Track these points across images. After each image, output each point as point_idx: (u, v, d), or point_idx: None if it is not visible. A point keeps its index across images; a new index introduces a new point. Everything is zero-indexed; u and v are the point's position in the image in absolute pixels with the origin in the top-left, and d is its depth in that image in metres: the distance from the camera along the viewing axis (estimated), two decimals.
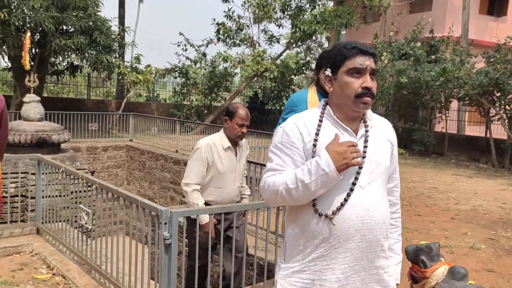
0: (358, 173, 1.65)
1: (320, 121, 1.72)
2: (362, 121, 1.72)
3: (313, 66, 17.80)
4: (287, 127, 1.72)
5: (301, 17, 15.66)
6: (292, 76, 17.80)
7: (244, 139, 3.63)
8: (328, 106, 1.74)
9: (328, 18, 14.86)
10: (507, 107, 12.09)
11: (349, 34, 19.00)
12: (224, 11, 16.20)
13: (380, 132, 1.75)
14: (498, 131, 13.46)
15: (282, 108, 18.86)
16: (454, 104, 14.21)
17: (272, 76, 16.30)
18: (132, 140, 12.29)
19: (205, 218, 3.28)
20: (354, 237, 1.62)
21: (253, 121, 18.82)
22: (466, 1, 14.38)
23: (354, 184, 1.65)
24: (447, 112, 13.89)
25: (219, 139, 3.51)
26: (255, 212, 3.51)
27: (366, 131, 1.71)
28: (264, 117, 19.10)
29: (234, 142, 3.53)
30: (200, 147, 3.46)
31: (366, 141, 1.70)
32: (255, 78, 17.83)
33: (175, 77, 17.89)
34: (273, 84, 17.92)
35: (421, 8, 17.76)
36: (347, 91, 1.66)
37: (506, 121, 12.16)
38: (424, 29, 15.01)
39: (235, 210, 3.17)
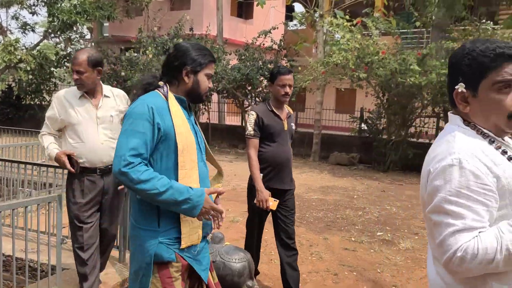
0: None
1: (492, 141, 1.33)
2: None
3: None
4: (469, 163, 1.24)
5: (58, 5, 14.65)
6: (53, 69, 16.52)
7: (119, 90, 3.35)
8: (479, 125, 1.35)
9: (89, 9, 14.33)
10: (257, 99, 14.01)
11: (113, 27, 18.68)
12: None
13: None
14: None
15: (43, 103, 17.31)
16: (215, 97, 15.63)
17: (28, 68, 14.79)
18: None
19: (51, 153, 3.10)
20: None
21: (9, 117, 16.83)
22: (219, 3, 15.89)
23: None
24: (209, 104, 15.18)
25: (74, 88, 3.21)
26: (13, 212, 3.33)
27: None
28: (21, 113, 17.17)
29: (91, 91, 3.17)
30: (53, 98, 3.24)
31: None
32: (7, 70, 15.87)
33: None
34: (30, 76, 16.27)
35: (180, 6, 18.76)
36: (497, 112, 1.30)
37: None
38: (185, 27, 15.98)
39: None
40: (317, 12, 12.75)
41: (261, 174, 3.49)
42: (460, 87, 1.33)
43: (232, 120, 17.56)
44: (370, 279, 4.22)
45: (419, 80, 9.31)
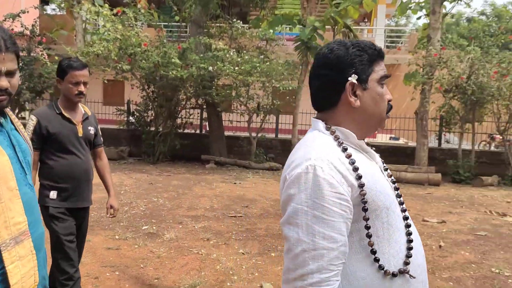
0: (399, 196, 1.35)
1: (345, 149, 1.26)
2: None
3: None
4: (324, 171, 1.16)
5: None
6: None
7: None
8: (341, 128, 1.29)
9: None
10: None
11: None
12: None
13: None
14: None
15: None
16: None
17: None
18: None
19: None
20: (423, 279, 1.30)
21: None
22: None
23: (404, 211, 1.33)
24: None
25: None
26: None
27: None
28: None
29: None
30: None
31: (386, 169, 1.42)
32: None
33: None
34: None
35: None
36: (382, 105, 1.30)
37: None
38: None
39: None
40: None
41: (55, 192, 2.90)
42: (353, 78, 1.26)
43: None
44: (133, 276, 4.15)
45: (181, 73, 9.64)
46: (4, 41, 1.48)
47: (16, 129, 1.64)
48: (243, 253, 4.83)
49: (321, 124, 1.31)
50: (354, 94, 1.28)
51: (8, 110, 1.60)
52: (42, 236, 1.67)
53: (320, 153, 1.20)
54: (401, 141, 15.21)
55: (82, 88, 2.89)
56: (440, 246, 5.33)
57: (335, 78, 1.28)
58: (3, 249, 1.46)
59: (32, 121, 2.87)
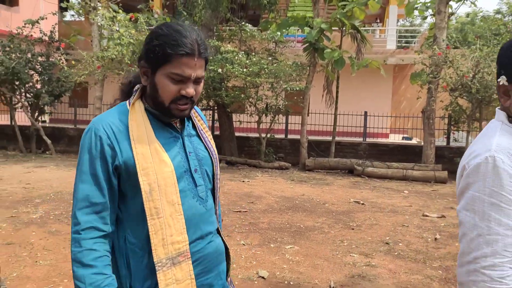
0: None
1: None
2: None
3: None
4: (505, 162, 1.16)
5: None
6: None
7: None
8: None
9: None
10: (28, 95, 12.80)
11: None
12: None
13: None
14: (22, 118, 14.04)
15: None
16: None
17: None
18: None
19: None
20: None
21: None
22: None
23: None
24: None
25: None
26: None
27: None
28: None
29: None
30: None
31: None
32: None
33: None
34: None
35: None
36: None
37: (28, 108, 12.88)
38: None
39: None
40: (92, 4, 12.33)
41: None
42: (502, 80, 1.25)
43: None
44: None
45: None
46: (198, 45, 1.37)
47: (198, 135, 1.55)
48: (243, 244, 5.10)
49: (504, 115, 1.29)
50: (506, 94, 1.26)
51: (195, 115, 1.57)
52: (213, 254, 1.51)
53: (501, 145, 1.20)
54: (414, 141, 15.28)
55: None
56: (435, 239, 5.51)
57: (499, 72, 1.28)
58: (158, 269, 1.36)
59: None
